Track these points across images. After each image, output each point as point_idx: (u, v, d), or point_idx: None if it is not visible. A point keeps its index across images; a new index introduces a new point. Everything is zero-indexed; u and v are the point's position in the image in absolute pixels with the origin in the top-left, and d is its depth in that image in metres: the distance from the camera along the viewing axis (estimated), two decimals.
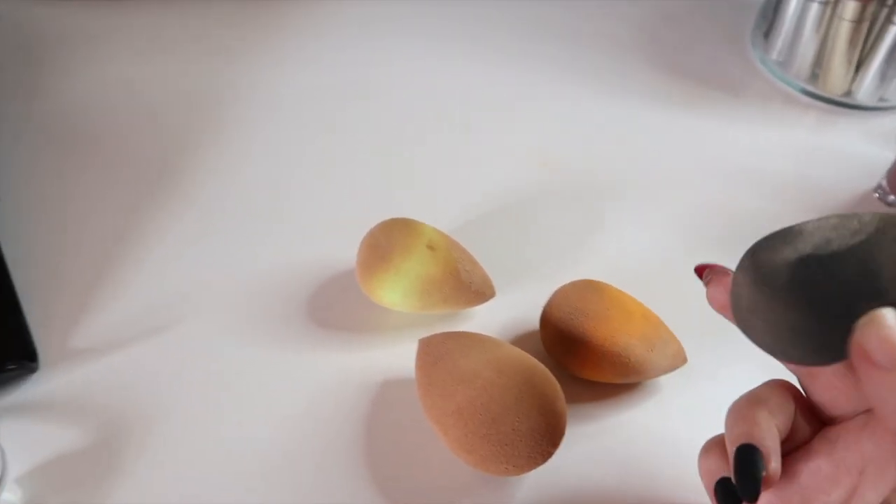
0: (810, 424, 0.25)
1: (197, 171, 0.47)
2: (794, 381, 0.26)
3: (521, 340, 0.39)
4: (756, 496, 0.23)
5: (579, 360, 0.35)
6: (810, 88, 0.52)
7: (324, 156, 0.49)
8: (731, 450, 0.24)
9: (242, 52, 0.56)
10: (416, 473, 0.34)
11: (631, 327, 0.34)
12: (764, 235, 0.25)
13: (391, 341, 0.39)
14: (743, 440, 0.24)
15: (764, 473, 0.23)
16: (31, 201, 0.45)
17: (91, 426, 0.35)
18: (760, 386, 0.25)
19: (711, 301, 0.27)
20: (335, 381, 0.37)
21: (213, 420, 0.36)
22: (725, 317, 0.26)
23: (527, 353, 0.33)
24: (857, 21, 0.47)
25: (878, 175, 0.47)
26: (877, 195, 0.46)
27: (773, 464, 0.23)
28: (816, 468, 0.24)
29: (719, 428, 0.26)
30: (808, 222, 0.24)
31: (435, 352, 0.33)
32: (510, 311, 0.40)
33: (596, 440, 0.35)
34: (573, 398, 0.36)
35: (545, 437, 0.30)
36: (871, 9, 0.47)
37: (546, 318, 0.36)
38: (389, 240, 0.37)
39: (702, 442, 0.27)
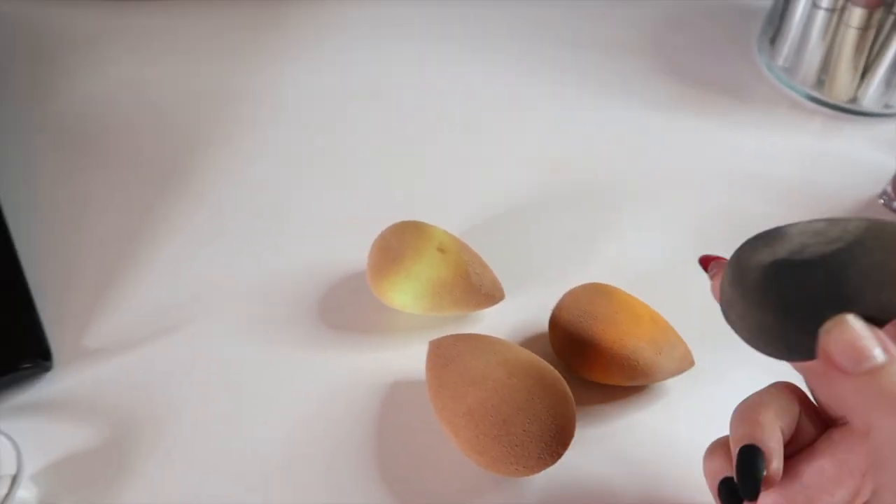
0: (815, 426, 0.25)
1: (207, 171, 0.48)
2: (801, 382, 0.26)
3: (530, 343, 0.39)
4: (756, 496, 0.23)
5: (588, 362, 0.35)
6: (816, 95, 0.53)
7: (334, 157, 0.49)
8: (734, 450, 0.24)
9: (252, 53, 0.57)
10: (426, 474, 0.34)
11: (639, 330, 0.35)
12: (755, 234, 0.25)
13: (402, 343, 0.39)
14: (746, 441, 0.24)
15: (765, 474, 0.23)
16: (46, 201, 0.46)
17: (104, 425, 0.36)
18: (765, 388, 0.26)
19: (714, 293, 0.27)
20: (346, 383, 0.37)
21: (224, 420, 0.36)
22: None
23: (536, 356, 0.33)
24: (864, 28, 0.48)
25: (883, 181, 0.47)
26: (882, 201, 0.46)
27: (775, 464, 0.23)
28: (820, 469, 0.24)
29: (725, 430, 0.26)
30: (795, 224, 0.24)
31: (445, 353, 0.33)
32: (519, 313, 0.40)
33: (604, 442, 0.35)
34: (582, 400, 0.36)
35: (555, 439, 0.31)
36: (877, 16, 0.47)
37: (555, 321, 0.36)
38: (400, 242, 0.37)
39: (708, 444, 0.27)
